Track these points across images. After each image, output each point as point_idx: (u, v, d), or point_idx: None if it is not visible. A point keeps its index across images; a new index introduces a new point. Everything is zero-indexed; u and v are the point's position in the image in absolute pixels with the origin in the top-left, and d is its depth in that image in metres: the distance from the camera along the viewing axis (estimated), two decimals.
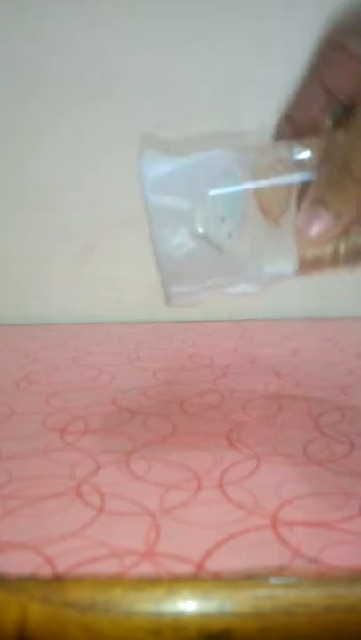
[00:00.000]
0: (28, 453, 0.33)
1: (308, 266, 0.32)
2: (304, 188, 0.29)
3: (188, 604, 0.21)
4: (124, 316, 0.80)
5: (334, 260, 0.33)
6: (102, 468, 0.31)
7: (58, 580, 0.22)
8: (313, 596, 0.21)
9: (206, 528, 0.25)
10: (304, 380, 0.48)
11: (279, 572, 0.22)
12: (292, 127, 0.33)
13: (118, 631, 0.20)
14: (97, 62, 0.74)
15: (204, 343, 0.65)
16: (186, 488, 0.29)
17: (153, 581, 0.21)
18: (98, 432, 0.36)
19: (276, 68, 0.75)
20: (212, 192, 0.30)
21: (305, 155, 0.30)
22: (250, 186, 0.30)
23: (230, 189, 0.30)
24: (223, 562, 0.23)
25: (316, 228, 0.28)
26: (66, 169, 0.76)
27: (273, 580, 0.22)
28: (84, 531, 0.25)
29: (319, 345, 0.63)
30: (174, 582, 0.21)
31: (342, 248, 0.32)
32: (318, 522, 0.26)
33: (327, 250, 0.32)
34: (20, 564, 0.23)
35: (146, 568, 0.22)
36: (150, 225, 0.30)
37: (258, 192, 0.30)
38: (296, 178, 0.30)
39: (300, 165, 0.30)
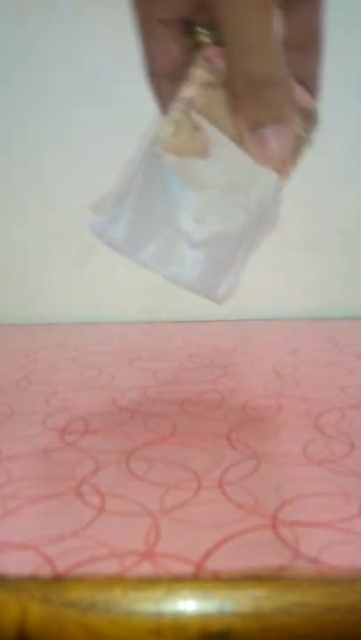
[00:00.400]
0: (28, 453, 0.33)
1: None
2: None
3: (188, 604, 0.21)
4: (124, 315, 0.80)
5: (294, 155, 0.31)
6: (102, 468, 0.31)
7: (58, 579, 0.22)
8: (313, 596, 0.21)
9: (206, 528, 0.25)
10: (304, 379, 0.48)
11: (279, 571, 0.22)
12: (167, 80, 0.32)
13: (118, 631, 0.20)
14: (97, 63, 0.73)
15: (204, 343, 0.65)
16: (186, 488, 0.29)
17: (153, 581, 0.21)
18: (98, 432, 0.36)
19: None
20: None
21: (196, 93, 0.29)
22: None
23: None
24: (223, 562, 0.23)
25: (272, 149, 0.26)
26: (66, 169, 0.76)
27: (273, 580, 0.22)
28: (84, 531, 0.25)
29: (319, 345, 0.63)
30: (174, 582, 0.21)
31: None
32: (318, 522, 0.26)
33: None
34: (19, 563, 0.23)
35: (146, 568, 0.22)
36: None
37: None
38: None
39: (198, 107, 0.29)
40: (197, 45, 0.30)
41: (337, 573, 0.22)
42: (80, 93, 0.74)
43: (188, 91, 0.30)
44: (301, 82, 0.30)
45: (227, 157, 0.29)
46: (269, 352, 0.60)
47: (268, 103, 0.26)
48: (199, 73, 0.29)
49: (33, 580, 0.22)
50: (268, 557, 0.23)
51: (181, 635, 0.20)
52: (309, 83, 0.31)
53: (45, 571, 0.22)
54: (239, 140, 0.28)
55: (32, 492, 0.28)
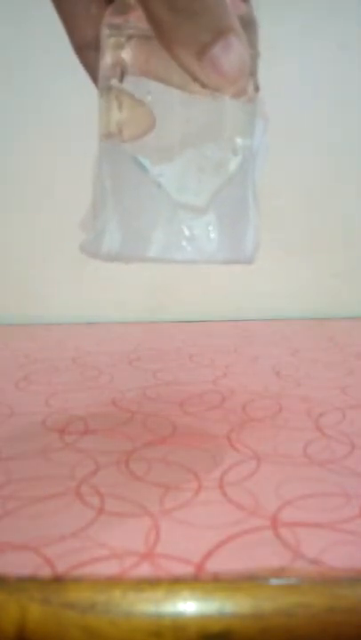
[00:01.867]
0: (28, 454, 0.33)
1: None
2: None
3: (187, 605, 0.21)
4: (123, 315, 0.80)
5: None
6: (102, 469, 0.31)
7: (57, 580, 0.22)
8: (314, 597, 0.21)
9: (206, 529, 0.25)
10: (304, 380, 0.48)
11: (280, 572, 0.22)
12: (94, 51, 0.28)
13: (118, 632, 0.20)
14: None
15: (205, 343, 0.65)
16: (186, 489, 0.29)
17: (153, 582, 0.21)
18: (97, 432, 0.36)
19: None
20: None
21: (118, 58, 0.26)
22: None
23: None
24: (223, 563, 0.23)
25: (228, 67, 0.22)
26: (65, 169, 0.76)
27: (273, 581, 0.22)
28: (84, 531, 0.25)
29: (319, 345, 0.63)
30: (174, 583, 0.21)
31: None
32: (319, 522, 0.25)
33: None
34: (19, 564, 0.23)
35: (146, 569, 0.22)
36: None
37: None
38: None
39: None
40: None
41: (338, 574, 0.22)
42: (81, 93, 0.74)
43: (110, 58, 0.27)
44: None
45: (181, 111, 0.26)
46: (270, 352, 0.60)
47: (202, 19, 0.21)
48: (115, 34, 0.26)
49: (32, 580, 0.22)
50: (269, 558, 0.23)
51: (181, 636, 0.20)
52: None
53: (45, 571, 0.22)
54: (189, 84, 0.24)
55: (31, 493, 0.28)
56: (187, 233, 0.26)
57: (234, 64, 0.21)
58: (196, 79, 0.23)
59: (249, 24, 0.25)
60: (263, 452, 0.33)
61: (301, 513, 0.26)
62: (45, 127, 0.75)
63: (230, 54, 0.21)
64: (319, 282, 0.81)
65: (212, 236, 0.27)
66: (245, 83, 0.24)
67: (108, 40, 0.27)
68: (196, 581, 0.22)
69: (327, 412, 0.40)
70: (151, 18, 0.22)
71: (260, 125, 0.28)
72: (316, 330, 0.72)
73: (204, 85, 0.23)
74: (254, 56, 0.27)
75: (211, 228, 0.27)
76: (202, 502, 0.27)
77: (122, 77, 0.27)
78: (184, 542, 0.24)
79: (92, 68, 0.30)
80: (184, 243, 0.27)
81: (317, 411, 0.40)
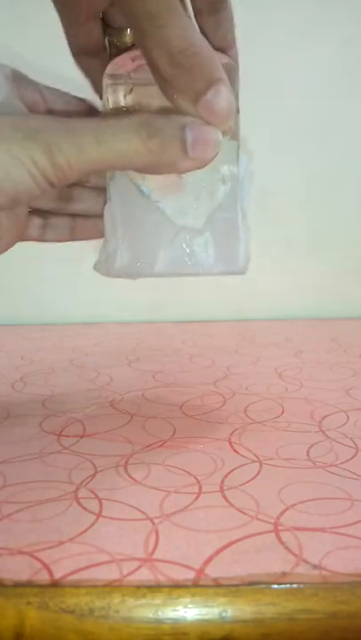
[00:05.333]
0: (24, 457, 0.33)
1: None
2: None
3: (188, 611, 0.21)
4: (122, 316, 0.79)
5: None
6: (100, 473, 0.31)
7: (55, 586, 0.21)
8: (316, 603, 0.21)
9: (207, 533, 0.25)
10: (307, 381, 0.48)
11: (282, 578, 0.22)
12: (95, 60, 0.34)
13: (117, 638, 0.20)
14: None
15: (205, 344, 0.65)
16: (186, 493, 0.28)
17: (152, 588, 0.21)
18: (96, 435, 0.36)
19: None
20: None
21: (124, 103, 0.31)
22: None
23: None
24: (224, 568, 0.22)
25: (220, 110, 0.26)
26: None
27: (275, 587, 0.21)
28: (82, 536, 0.24)
29: (323, 346, 0.62)
30: (174, 589, 0.21)
31: None
32: (322, 527, 0.25)
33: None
34: (16, 569, 0.22)
35: (145, 574, 0.22)
36: None
37: None
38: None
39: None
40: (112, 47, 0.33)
41: (340, 579, 0.22)
42: (80, 92, 0.74)
43: (112, 103, 0.32)
44: (216, 46, 0.32)
45: None
46: (272, 353, 0.59)
47: (197, 72, 0.26)
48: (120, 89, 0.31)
49: (30, 586, 0.21)
50: (270, 563, 0.22)
51: None
52: (224, 43, 0.33)
53: (43, 577, 0.22)
54: None
55: (28, 497, 0.28)
56: (187, 250, 0.31)
57: (223, 106, 0.26)
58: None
59: (230, 71, 0.30)
60: (265, 455, 0.33)
61: (304, 517, 0.26)
62: None
63: (220, 99, 0.26)
64: (322, 282, 0.81)
65: (210, 252, 0.31)
66: (233, 121, 0.28)
67: (111, 87, 0.32)
68: (196, 587, 0.21)
69: (331, 414, 0.39)
70: (155, 70, 0.26)
71: (244, 158, 0.33)
72: (320, 330, 0.72)
73: None
74: (235, 96, 0.32)
75: (208, 245, 0.31)
76: (202, 506, 0.27)
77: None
78: (184, 547, 0.24)
79: (88, 73, 0.35)
80: (186, 259, 0.31)
81: (321, 413, 0.40)
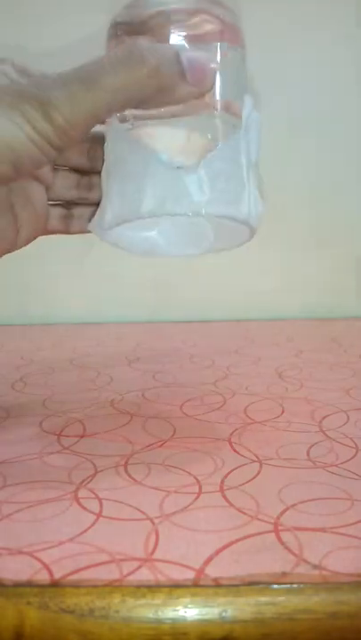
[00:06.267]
0: (24, 457, 0.33)
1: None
2: None
3: (188, 611, 0.21)
4: (122, 316, 0.79)
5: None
6: (100, 473, 0.31)
7: (55, 586, 0.21)
8: (316, 603, 0.21)
9: (207, 533, 0.25)
10: (307, 381, 0.48)
11: (282, 578, 0.22)
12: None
13: (117, 638, 0.20)
14: None
15: (205, 344, 0.65)
16: (186, 493, 0.28)
17: (152, 588, 0.21)
18: (96, 435, 0.36)
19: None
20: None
21: None
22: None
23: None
24: (224, 568, 0.22)
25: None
26: None
27: (275, 587, 0.21)
28: (82, 536, 0.24)
29: (323, 346, 0.62)
30: (174, 589, 0.21)
31: None
32: (322, 527, 0.25)
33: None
34: (16, 569, 0.22)
35: (145, 574, 0.22)
36: None
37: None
38: None
39: None
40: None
41: (341, 579, 0.22)
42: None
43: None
44: None
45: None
46: (272, 353, 0.59)
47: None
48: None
49: (30, 586, 0.21)
50: (271, 563, 0.22)
51: None
52: None
53: (43, 577, 0.22)
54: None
55: (29, 497, 0.28)
56: (179, 188, 0.28)
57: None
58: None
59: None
60: (265, 455, 0.33)
61: (304, 517, 0.26)
62: None
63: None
64: (322, 281, 0.81)
65: (205, 190, 0.28)
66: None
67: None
68: (196, 587, 0.21)
69: (331, 414, 0.39)
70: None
71: (249, 100, 0.31)
72: (320, 330, 0.72)
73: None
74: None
75: (202, 184, 0.28)
76: (202, 506, 0.27)
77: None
78: (184, 547, 0.24)
79: None
80: (176, 197, 0.28)
81: (321, 413, 0.40)
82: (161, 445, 0.34)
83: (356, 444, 0.34)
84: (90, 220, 0.34)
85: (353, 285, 0.81)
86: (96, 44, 0.32)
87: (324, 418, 0.39)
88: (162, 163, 0.28)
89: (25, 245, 0.33)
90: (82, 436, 0.36)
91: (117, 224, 0.30)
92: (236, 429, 0.37)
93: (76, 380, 0.49)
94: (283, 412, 0.40)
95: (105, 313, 0.79)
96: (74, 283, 0.79)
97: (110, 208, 0.30)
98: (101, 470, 0.31)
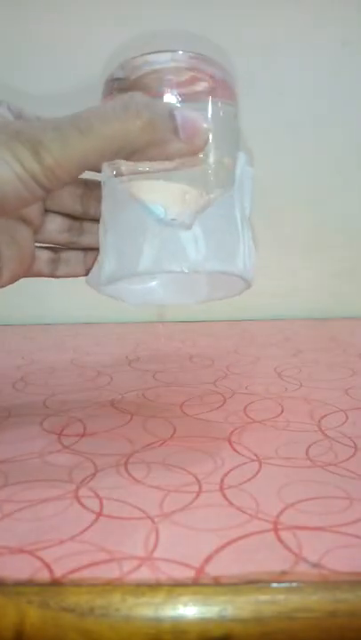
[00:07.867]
0: (25, 456, 0.33)
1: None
2: None
3: (188, 610, 0.21)
4: (122, 316, 0.79)
5: None
6: (101, 472, 0.31)
7: (56, 584, 0.21)
8: (316, 601, 0.21)
9: (207, 532, 0.25)
10: (306, 381, 0.48)
11: (281, 576, 0.22)
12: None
13: (117, 636, 0.20)
14: (97, 60, 0.73)
15: (205, 344, 0.65)
16: (186, 492, 0.28)
17: (152, 586, 0.21)
18: (96, 435, 0.36)
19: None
20: None
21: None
22: None
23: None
24: (224, 567, 0.22)
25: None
26: None
27: (275, 585, 0.21)
28: (83, 535, 0.25)
29: (322, 345, 0.63)
30: (174, 587, 0.21)
31: None
32: (321, 526, 0.25)
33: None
34: (17, 568, 0.22)
35: (145, 573, 0.22)
36: None
37: None
38: None
39: None
40: None
41: (340, 578, 0.22)
42: (80, 90, 0.74)
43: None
44: None
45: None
46: (271, 353, 0.59)
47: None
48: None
49: (31, 584, 0.21)
50: (270, 562, 0.22)
51: None
52: None
53: (43, 575, 0.22)
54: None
55: (29, 496, 0.28)
56: (175, 246, 0.28)
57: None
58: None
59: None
60: (265, 455, 0.33)
61: (303, 516, 0.26)
62: None
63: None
64: (321, 281, 0.81)
65: (200, 248, 0.29)
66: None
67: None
68: (196, 585, 0.21)
69: (330, 413, 0.39)
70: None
71: (243, 155, 0.31)
72: (319, 330, 0.72)
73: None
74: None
75: (197, 241, 0.29)
76: (202, 505, 0.27)
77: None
78: (184, 546, 0.24)
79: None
80: (173, 254, 0.28)
81: (320, 412, 0.40)
82: (161, 445, 0.34)
83: (354, 444, 0.34)
84: (78, 266, 0.36)
85: (351, 286, 0.81)
86: (93, 94, 0.33)
87: (323, 417, 0.39)
88: (157, 218, 0.29)
89: (7, 285, 0.33)
90: (82, 436, 0.36)
91: (115, 280, 0.30)
92: (236, 429, 0.37)
93: (76, 380, 0.49)
94: (282, 411, 0.40)
95: (105, 313, 0.79)
96: (74, 282, 0.79)
97: (108, 264, 0.30)
98: (102, 469, 0.31)
